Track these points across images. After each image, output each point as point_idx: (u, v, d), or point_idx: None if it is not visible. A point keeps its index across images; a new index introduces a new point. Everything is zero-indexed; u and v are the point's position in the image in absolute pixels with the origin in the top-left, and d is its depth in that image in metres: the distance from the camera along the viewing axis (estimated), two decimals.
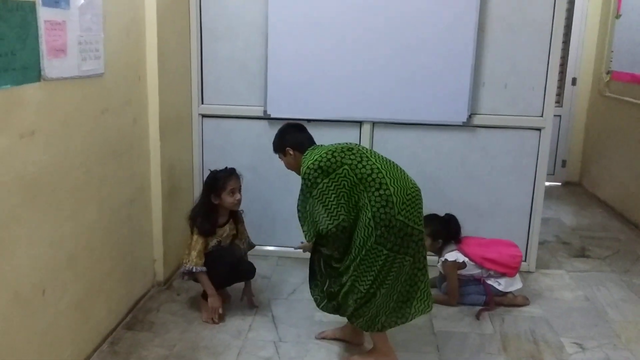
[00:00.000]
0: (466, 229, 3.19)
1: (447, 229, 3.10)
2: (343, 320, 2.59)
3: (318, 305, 2.55)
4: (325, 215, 2.26)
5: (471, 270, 3.08)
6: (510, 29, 3.28)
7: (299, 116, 3.27)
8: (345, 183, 2.25)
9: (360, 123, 3.43)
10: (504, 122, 3.39)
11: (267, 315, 2.92)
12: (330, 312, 2.53)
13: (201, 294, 2.90)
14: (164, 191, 3.07)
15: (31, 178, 1.98)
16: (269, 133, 3.37)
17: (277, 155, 2.61)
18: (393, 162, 2.39)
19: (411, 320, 2.43)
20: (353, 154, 2.31)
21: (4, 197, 1.85)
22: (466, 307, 3.04)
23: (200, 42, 3.42)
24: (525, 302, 3.10)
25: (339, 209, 2.25)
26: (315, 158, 2.31)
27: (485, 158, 3.45)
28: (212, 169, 2.92)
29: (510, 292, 3.09)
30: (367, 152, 2.36)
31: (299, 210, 2.43)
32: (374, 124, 3.43)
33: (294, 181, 2.65)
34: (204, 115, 3.52)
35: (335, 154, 2.30)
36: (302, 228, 2.41)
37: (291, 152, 2.49)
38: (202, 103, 3.50)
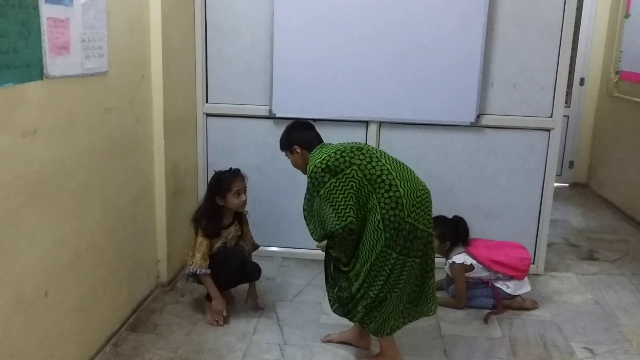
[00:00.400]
0: (474, 230, 3.15)
1: (455, 231, 3.06)
2: (349, 323, 2.55)
3: (331, 307, 2.50)
4: (333, 215, 2.22)
5: (479, 272, 3.04)
6: (519, 28, 3.23)
7: (304, 115, 3.23)
8: (354, 184, 2.21)
9: (366, 123, 3.39)
10: (512, 122, 3.35)
11: (272, 318, 2.88)
12: (340, 315, 2.48)
13: (205, 295, 2.87)
14: (168, 191, 3.04)
15: (33, 177, 1.95)
16: (274, 132, 3.36)
17: (282, 155, 2.57)
18: (402, 162, 2.35)
19: (417, 319, 2.40)
20: (362, 154, 2.26)
21: (6, 197, 1.81)
22: (474, 310, 3.00)
23: (205, 41, 3.39)
24: (534, 306, 3.06)
25: (347, 210, 2.21)
26: (323, 157, 2.27)
27: (493, 159, 3.41)
28: (217, 169, 2.89)
29: (518, 295, 3.05)
30: (376, 152, 2.32)
31: (304, 210, 2.39)
32: (380, 123, 3.39)
33: (299, 181, 2.62)
34: (208, 115, 3.49)
35: (344, 153, 2.26)
36: (308, 227, 2.38)
37: (298, 150, 2.45)
38: (207, 102, 3.47)
